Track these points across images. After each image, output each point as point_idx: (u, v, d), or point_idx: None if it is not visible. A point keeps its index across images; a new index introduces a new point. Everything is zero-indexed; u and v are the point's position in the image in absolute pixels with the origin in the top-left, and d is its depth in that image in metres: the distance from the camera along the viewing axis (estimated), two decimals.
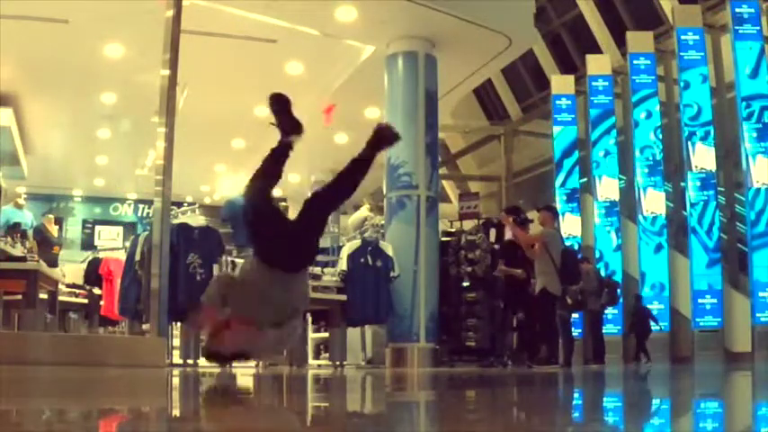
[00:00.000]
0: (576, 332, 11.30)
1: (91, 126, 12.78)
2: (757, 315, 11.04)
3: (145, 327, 7.25)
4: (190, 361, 7.69)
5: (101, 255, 10.78)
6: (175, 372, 6.21)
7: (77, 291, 10.03)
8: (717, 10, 12.91)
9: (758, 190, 11.28)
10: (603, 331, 11.53)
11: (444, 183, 18.76)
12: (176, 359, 7.87)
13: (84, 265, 10.50)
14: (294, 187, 16.09)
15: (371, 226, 9.68)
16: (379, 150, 4.53)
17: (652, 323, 11.87)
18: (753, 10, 11.80)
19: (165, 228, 6.10)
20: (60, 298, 8.75)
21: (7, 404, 2.72)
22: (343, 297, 8.44)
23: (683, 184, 12.66)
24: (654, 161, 13.03)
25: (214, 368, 7.43)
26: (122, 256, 9.14)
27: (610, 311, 12.52)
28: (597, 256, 13.19)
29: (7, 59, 9.26)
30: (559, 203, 13.76)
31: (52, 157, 14.25)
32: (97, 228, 17.63)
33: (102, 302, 9.86)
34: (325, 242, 11.70)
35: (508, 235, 9.14)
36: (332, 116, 11.51)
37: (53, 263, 10.52)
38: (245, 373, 6.39)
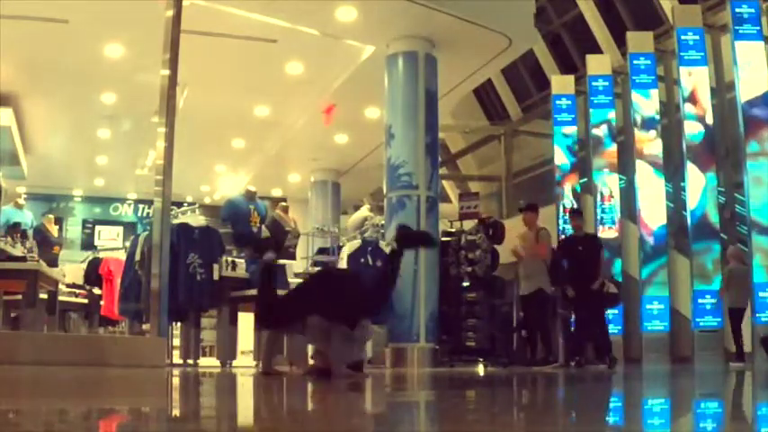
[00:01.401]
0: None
1: (91, 126, 12.77)
2: (757, 315, 11.03)
3: (145, 327, 7.25)
4: (190, 361, 7.71)
5: (101, 255, 10.78)
6: (175, 372, 6.21)
7: (77, 291, 10.04)
8: (717, 10, 12.90)
9: None
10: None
11: (444, 183, 18.77)
12: (176, 359, 7.89)
13: (84, 265, 10.50)
14: (294, 187, 16.13)
15: (371, 226, 9.67)
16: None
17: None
18: (753, 10, 11.78)
19: (165, 228, 6.10)
20: (60, 298, 8.75)
21: (7, 404, 2.72)
22: None
23: (682, 183, 12.65)
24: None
25: (214, 368, 7.44)
26: (122, 256, 9.15)
27: (611, 311, 12.54)
28: None
29: (7, 59, 9.25)
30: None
31: (52, 157, 14.25)
32: (97, 228, 17.63)
33: (102, 302, 9.86)
34: (325, 242, 11.71)
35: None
36: (332, 116, 11.51)
37: (53, 263, 10.54)
38: (244, 374, 6.39)
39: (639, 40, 13.34)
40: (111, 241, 16.74)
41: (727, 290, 10.65)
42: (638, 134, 13.05)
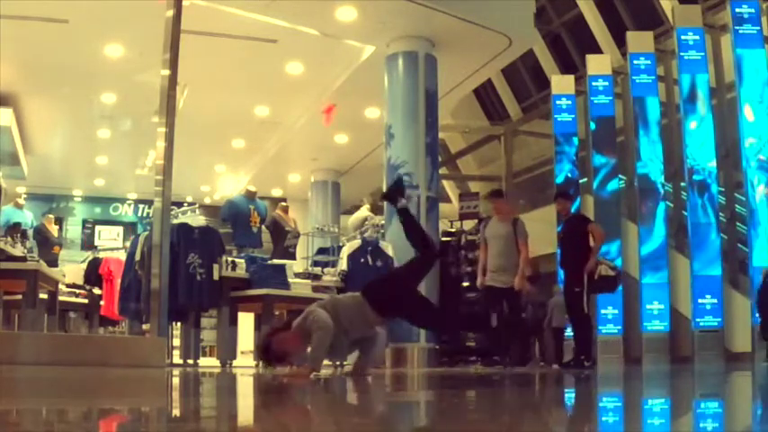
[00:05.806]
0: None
1: (91, 126, 12.78)
2: (757, 315, 11.04)
3: (145, 327, 7.25)
4: (190, 361, 7.71)
5: (101, 255, 10.77)
6: (175, 372, 6.21)
7: (77, 291, 10.03)
8: (717, 10, 12.91)
9: None
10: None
11: (444, 183, 18.77)
12: (176, 359, 7.89)
13: (84, 265, 10.49)
14: (294, 187, 16.13)
15: (371, 226, 9.66)
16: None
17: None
18: (753, 10, 11.80)
19: (165, 228, 6.09)
20: (60, 298, 8.74)
21: (7, 404, 2.72)
22: None
23: (683, 183, 12.65)
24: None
25: (214, 368, 7.44)
26: (122, 256, 9.15)
27: (610, 311, 12.58)
28: None
29: (7, 59, 9.26)
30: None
31: (52, 157, 14.26)
32: (97, 228, 17.64)
33: (102, 302, 9.85)
34: (325, 242, 11.70)
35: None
36: (332, 116, 11.51)
37: (53, 263, 10.53)
38: (244, 374, 6.39)
39: (639, 40, 13.35)
40: (111, 241, 16.75)
41: (553, 315, 11.77)
42: None
